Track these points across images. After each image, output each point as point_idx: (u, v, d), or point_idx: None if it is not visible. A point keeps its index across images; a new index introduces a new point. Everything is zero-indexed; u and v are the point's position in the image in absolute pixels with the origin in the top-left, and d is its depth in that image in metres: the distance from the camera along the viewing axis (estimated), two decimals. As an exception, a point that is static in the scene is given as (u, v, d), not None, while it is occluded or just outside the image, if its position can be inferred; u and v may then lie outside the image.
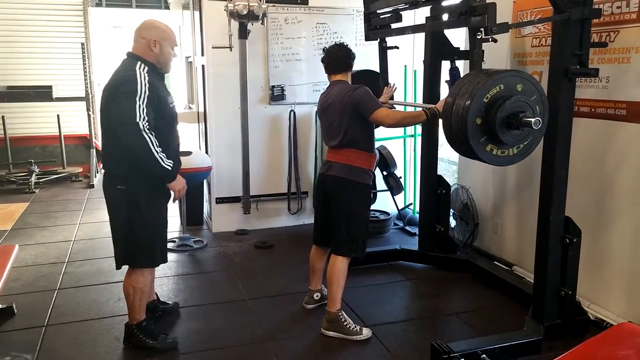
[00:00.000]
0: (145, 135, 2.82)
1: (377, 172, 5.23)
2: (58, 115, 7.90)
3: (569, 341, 3.07)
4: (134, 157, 2.90)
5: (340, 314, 3.39)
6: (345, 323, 3.37)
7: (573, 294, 3.30)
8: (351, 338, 3.34)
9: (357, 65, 4.56)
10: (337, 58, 3.49)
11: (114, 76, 2.97)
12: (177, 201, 3.22)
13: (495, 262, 4.43)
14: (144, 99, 2.84)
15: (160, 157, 2.89)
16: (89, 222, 5.89)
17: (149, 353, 3.18)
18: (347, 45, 3.56)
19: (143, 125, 2.81)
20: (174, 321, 3.59)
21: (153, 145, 2.84)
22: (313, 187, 5.63)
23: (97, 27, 8.66)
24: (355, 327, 3.39)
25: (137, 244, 3.09)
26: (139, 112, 2.81)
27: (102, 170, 3.16)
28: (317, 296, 3.74)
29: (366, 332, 3.38)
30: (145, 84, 2.87)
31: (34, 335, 3.38)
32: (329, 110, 3.43)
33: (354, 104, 3.26)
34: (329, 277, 3.42)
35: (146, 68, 2.95)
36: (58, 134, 7.99)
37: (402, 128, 5.55)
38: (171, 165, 2.95)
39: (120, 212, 3.05)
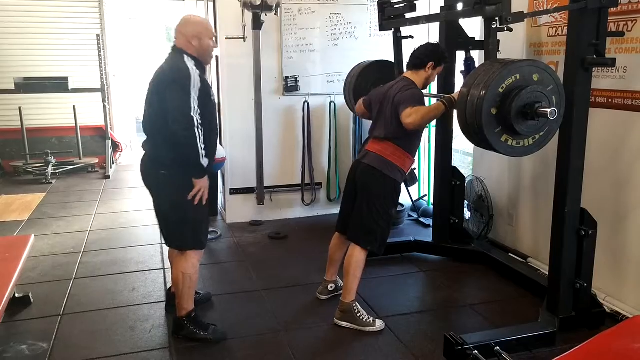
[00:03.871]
0: (197, 131, 2.89)
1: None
2: (74, 106, 7.96)
3: (584, 334, 3.05)
4: (180, 146, 2.95)
5: (354, 305, 3.39)
6: (358, 314, 3.38)
7: (588, 287, 3.27)
8: (364, 329, 3.34)
9: (371, 56, 4.57)
10: (413, 53, 3.47)
11: (166, 66, 3.05)
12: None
13: (510, 254, 4.40)
14: (197, 91, 2.92)
15: (202, 153, 2.94)
16: (105, 212, 5.95)
17: (167, 342, 3.22)
18: (435, 43, 3.54)
19: (197, 120, 2.89)
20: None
21: (200, 140, 2.91)
22: (327, 178, 5.63)
23: (112, 18, 8.70)
24: (369, 318, 3.39)
25: (185, 226, 3.15)
26: (194, 104, 2.89)
27: (142, 154, 3.23)
28: (332, 287, 3.74)
29: (379, 324, 3.38)
30: (197, 77, 2.95)
31: (50, 324, 3.42)
32: (382, 102, 3.43)
33: (398, 103, 3.26)
34: (345, 267, 3.42)
35: (192, 61, 3.02)
36: (74, 125, 8.04)
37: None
38: (207, 163, 2.99)
39: (165, 196, 3.11)
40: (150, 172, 3.15)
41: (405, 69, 3.53)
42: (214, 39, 3.18)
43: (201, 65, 3.12)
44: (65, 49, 8.15)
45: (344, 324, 3.39)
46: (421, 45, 3.50)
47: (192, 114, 2.87)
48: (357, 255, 3.38)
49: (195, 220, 3.17)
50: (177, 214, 3.13)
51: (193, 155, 2.93)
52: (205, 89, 3.00)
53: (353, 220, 3.44)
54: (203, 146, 2.93)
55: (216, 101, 3.23)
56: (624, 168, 3.41)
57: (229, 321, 3.48)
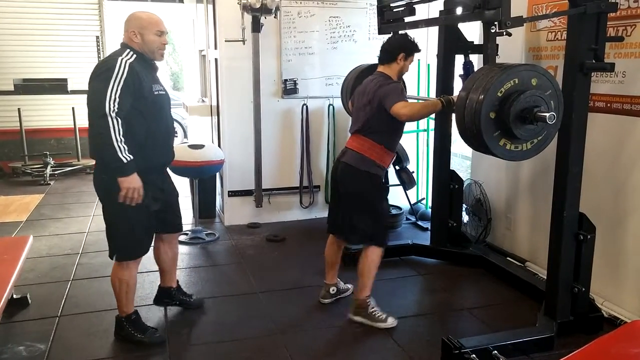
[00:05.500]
0: (110, 120, 2.72)
1: (390, 166, 5.22)
2: (73, 108, 7.94)
3: (581, 338, 3.04)
4: (94, 139, 2.82)
5: (368, 301, 3.43)
6: (372, 310, 3.42)
7: (587, 291, 3.27)
8: (376, 325, 3.38)
9: (370, 59, 4.57)
10: (382, 47, 3.45)
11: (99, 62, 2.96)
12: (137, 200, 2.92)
13: (508, 258, 4.40)
14: (119, 81, 2.77)
15: (120, 147, 2.75)
16: (103, 214, 5.93)
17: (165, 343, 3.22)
18: (405, 34, 3.49)
19: (110, 107, 2.73)
20: (185, 313, 3.61)
21: (115, 131, 2.73)
22: (325, 180, 5.63)
23: (112, 20, 8.70)
24: (381, 315, 3.42)
25: (116, 234, 3.08)
26: (111, 94, 2.74)
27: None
28: (334, 290, 3.73)
29: (391, 321, 3.42)
30: (123, 68, 2.82)
31: (48, 325, 3.41)
32: (361, 98, 3.43)
33: (381, 96, 3.26)
34: (360, 268, 3.45)
35: (134, 56, 2.93)
36: (73, 126, 8.04)
37: (416, 122, 5.53)
38: (128, 159, 2.79)
39: (103, 202, 3.05)
40: (93, 176, 3.06)
41: (378, 64, 3.49)
42: (162, 34, 3.02)
43: (146, 61, 3.03)
44: (64, 50, 8.15)
45: (357, 318, 3.43)
46: (389, 38, 3.51)
47: (106, 101, 2.71)
48: (370, 255, 3.42)
49: (127, 227, 3.03)
50: (111, 219, 3.05)
51: (109, 148, 2.73)
52: (139, 82, 2.86)
53: (342, 221, 3.46)
54: (121, 139, 2.75)
55: (162, 97, 3.07)
56: (623, 172, 3.41)
57: (226, 323, 3.48)
